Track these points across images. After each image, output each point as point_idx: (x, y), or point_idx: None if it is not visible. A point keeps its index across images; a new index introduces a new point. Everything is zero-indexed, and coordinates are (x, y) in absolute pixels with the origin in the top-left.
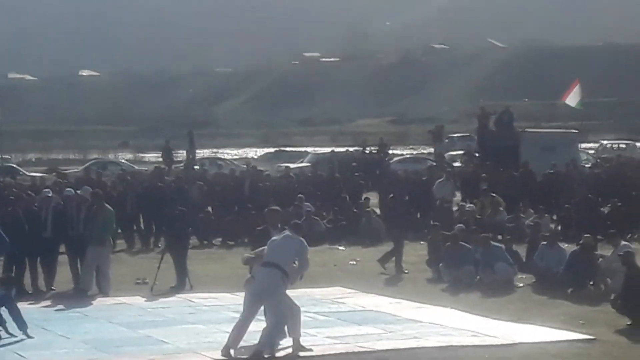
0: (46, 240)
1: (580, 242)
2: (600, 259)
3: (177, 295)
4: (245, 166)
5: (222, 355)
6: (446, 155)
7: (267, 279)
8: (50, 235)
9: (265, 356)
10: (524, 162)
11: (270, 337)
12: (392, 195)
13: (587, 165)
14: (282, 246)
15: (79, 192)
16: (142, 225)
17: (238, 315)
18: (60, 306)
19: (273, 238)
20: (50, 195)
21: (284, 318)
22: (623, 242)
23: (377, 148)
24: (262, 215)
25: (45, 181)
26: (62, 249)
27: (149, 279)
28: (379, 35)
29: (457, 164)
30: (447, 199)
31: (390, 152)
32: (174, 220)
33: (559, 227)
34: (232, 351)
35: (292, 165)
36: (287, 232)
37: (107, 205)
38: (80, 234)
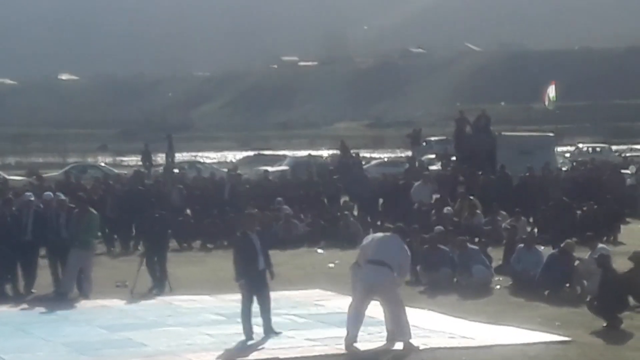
0: (26, 244)
1: (562, 245)
2: (578, 262)
3: (157, 297)
4: (226, 170)
5: (346, 349)
6: (424, 158)
7: (378, 276)
8: (30, 239)
9: (416, 345)
10: (502, 165)
11: (402, 325)
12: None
13: (563, 169)
14: (390, 247)
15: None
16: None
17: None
18: (41, 309)
19: (377, 235)
20: (32, 199)
21: (402, 304)
22: (600, 245)
23: (338, 152)
24: (240, 218)
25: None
26: (42, 252)
27: (129, 281)
28: (356, 39)
29: (434, 167)
30: (425, 202)
31: (355, 154)
32: (154, 224)
33: (536, 230)
34: (357, 345)
35: (270, 169)
36: (392, 234)
37: (91, 209)
38: (61, 237)
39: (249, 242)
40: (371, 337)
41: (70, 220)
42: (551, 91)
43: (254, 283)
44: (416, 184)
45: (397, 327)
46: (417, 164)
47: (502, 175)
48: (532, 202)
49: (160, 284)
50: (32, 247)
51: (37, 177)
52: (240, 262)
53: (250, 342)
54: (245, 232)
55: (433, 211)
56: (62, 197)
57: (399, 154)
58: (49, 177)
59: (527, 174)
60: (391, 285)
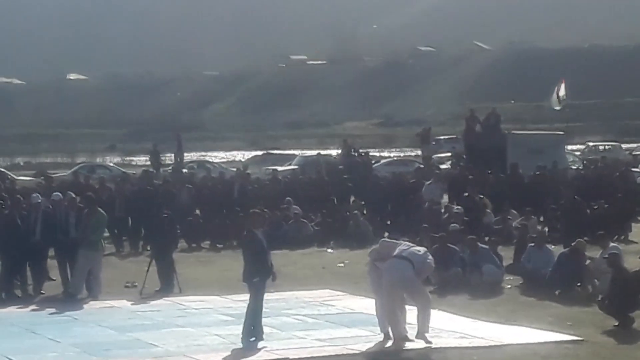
0: (35, 245)
1: (573, 244)
2: (589, 261)
3: (166, 298)
4: (235, 169)
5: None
6: (433, 157)
7: (400, 269)
8: (38, 240)
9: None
10: (514, 164)
11: (425, 319)
12: (467, 194)
13: (574, 167)
14: (415, 249)
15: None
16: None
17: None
18: (50, 310)
19: (405, 242)
20: (40, 200)
21: (429, 299)
22: (611, 244)
23: (341, 151)
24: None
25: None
26: (52, 252)
27: (138, 282)
28: (365, 38)
29: (444, 166)
30: (436, 201)
31: (365, 154)
32: (162, 224)
33: (546, 229)
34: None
35: (280, 168)
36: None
37: (100, 209)
38: (71, 238)
39: (257, 240)
40: (381, 337)
41: (80, 220)
42: (561, 90)
43: (264, 282)
44: (427, 183)
45: (421, 319)
46: (431, 163)
47: (513, 174)
48: (542, 201)
49: (168, 284)
50: (40, 248)
51: (45, 178)
52: (252, 260)
53: (260, 343)
54: (252, 230)
55: (443, 210)
56: (73, 195)
57: (409, 153)
58: (57, 177)
59: (538, 172)
60: (413, 279)
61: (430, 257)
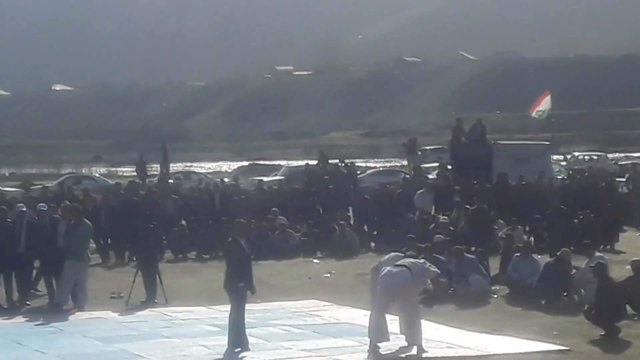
0: (20, 255)
1: (558, 253)
2: (575, 271)
3: (152, 309)
4: (218, 180)
5: (369, 352)
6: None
7: (396, 275)
8: (24, 250)
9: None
10: (503, 174)
11: (416, 332)
12: (475, 206)
13: (559, 177)
14: (415, 261)
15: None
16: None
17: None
18: (36, 321)
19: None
20: (24, 210)
21: (419, 312)
22: (597, 254)
23: (318, 161)
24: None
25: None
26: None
27: (124, 293)
28: (351, 48)
29: (431, 177)
30: (426, 211)
31: (350, 164)
32: (148, 235)
33: (532, 239)
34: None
35: (266, 179)
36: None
37: (86, 220)
38: (58, 248)
39: (240, 248)
40: (367, 348)
41: (68, 231)
42: (544, 103)
43: (246, 290)
44: (419, 192)
45: (410, 331)
46: (421, 172)
47: (499, 184)
48: (528, 211)
49: (154, 295)
50: (26, 259)
51: (25, 189)
52: (234, 267)
53: (245, 353)
54: (236, 238)
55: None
56: (68, 203)
57: (395, 163)
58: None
59: (523, 182)
60: (410, 285)
61: (431, 265)
